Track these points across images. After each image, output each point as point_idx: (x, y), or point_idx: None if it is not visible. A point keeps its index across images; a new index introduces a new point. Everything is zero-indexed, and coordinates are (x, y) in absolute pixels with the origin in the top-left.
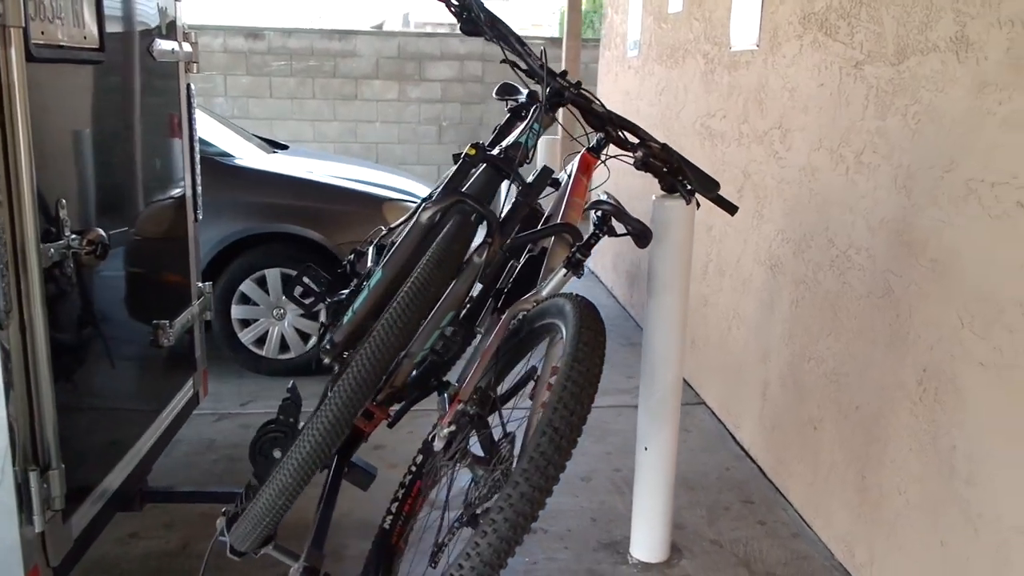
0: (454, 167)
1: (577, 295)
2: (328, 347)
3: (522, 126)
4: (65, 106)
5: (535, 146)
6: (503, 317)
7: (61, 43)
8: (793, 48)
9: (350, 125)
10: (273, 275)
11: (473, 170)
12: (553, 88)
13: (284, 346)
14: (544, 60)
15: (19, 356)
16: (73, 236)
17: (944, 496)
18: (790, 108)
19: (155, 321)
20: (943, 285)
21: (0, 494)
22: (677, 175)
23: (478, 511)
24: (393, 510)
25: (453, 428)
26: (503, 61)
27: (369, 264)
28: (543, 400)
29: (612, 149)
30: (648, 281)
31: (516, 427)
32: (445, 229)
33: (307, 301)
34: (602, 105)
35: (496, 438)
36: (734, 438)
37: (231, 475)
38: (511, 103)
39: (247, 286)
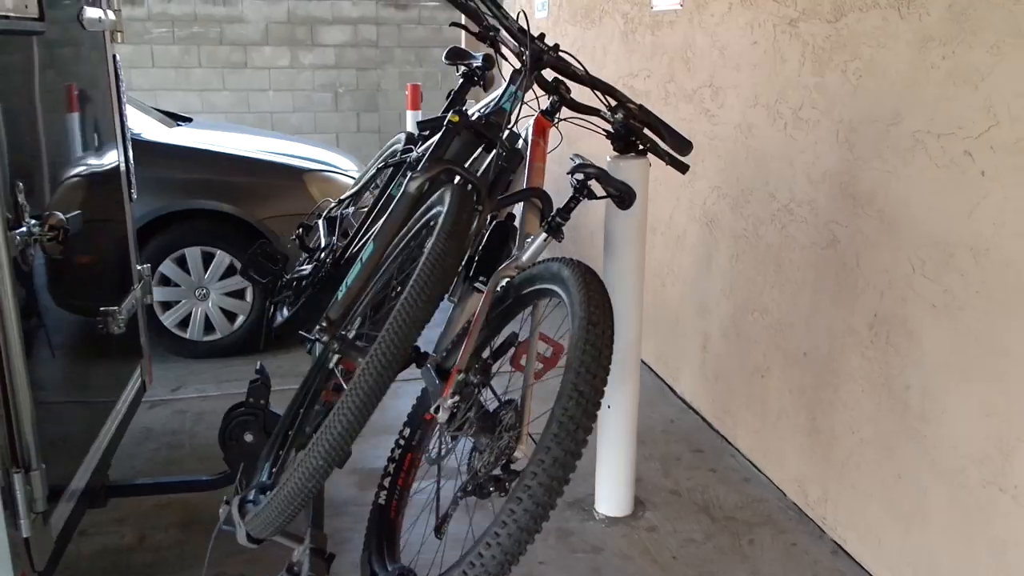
0: (439, 135)
1: (572, 260)
2: (324, 324)
3: (498, 92)
4: (10, 82)
5: (518, 112)
6: (488, 284)
7: (4, 13)
8: (722, 7)
9: (241, 95)
10: (193, 254)
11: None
12: (534, 52)
13: (208, 327)
14: (527, 24)
15: None
16: (34, 222)
17: (899, 432)
18: (720, 67)
19: (103, 308)
20: (892, 234)
21: None
22: (655, 135)
23: (484, 479)
24: (387, 485)
25: (457, 399)
26: (453, 24)
27: (323, 238)
28: (537, 369)
29: (575, 115)
30: (606, 242)
31: (507, 395)
32: (449, 199)
33: (263, 280)
34: (583, 68)
35: (485, 406)
36: (673, 391)
37: (174, 464)
38: (463, 67)
39: (167, 267)
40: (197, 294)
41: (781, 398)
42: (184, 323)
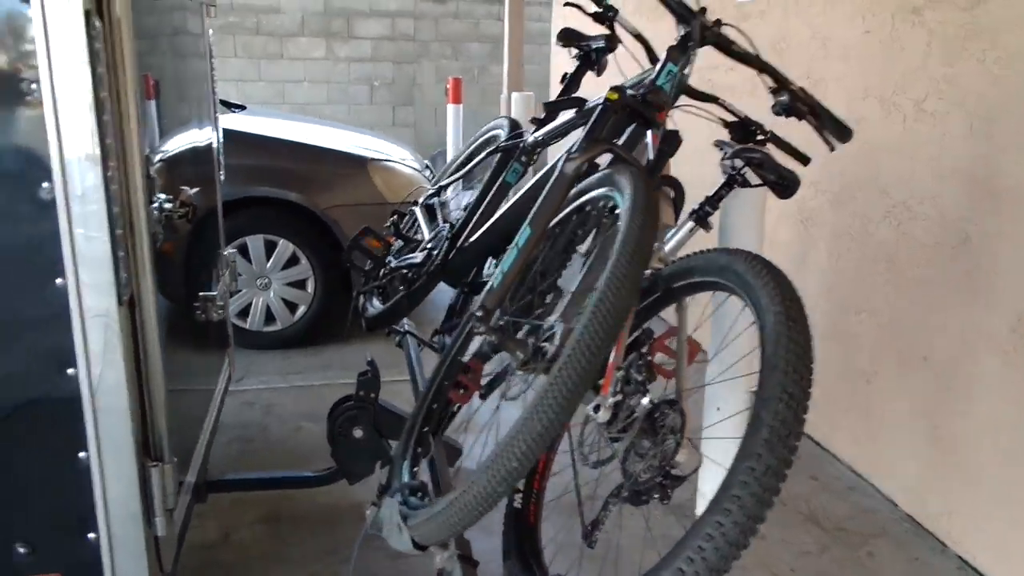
0: (595, 114)
1: (742, 250)
2: (479, 314)
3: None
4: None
5: (677, 89)
6: None
7: None
8: None
9: (277, 86)
10: (256, 243)
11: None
12: (697, 26)
13: (269, 317)
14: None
15: (128, 335)
16: (164, 197)
17: None
18: (820, 58)
19: (202, 293)
20: None
21: (124, 495)
22: (818, 120)
23: (646, 485)
24: (521, 487)
25: (619, 398)
26: (567, 4)
27: (424, 226)
28: (669, 367)
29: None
30: (721, 236)
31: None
32: (631, 190)
33: (366, 268)
34: (751, 43)
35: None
36: None
37: (248, 457)
38: (579, 49)
39: None
40: (258, 284)
41: (892, 404)
42: (244, 313)
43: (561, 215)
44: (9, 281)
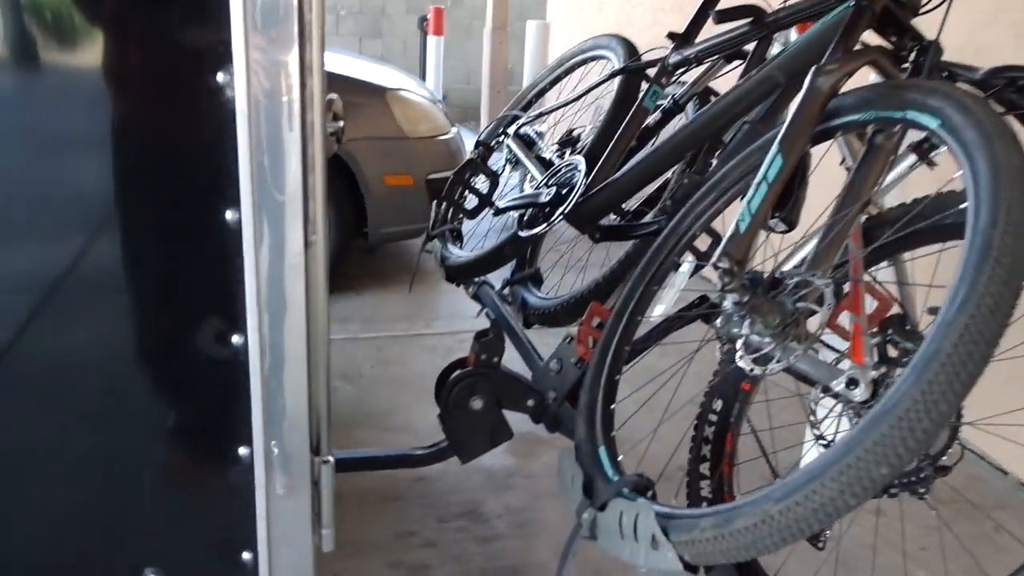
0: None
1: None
2: (726, 266)
3: None
4: None
5: None
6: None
7: None
8: None
9: None
10: None
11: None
12: None
13: None
14: None
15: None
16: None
17: None
18: None
19: None
20: None
21: (298, 496)
22: None
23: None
24: (705, 472)
25: (883, 370)
26: None
27: (526, 160)
28: None
29: None
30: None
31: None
32: (978, 112)
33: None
34: None
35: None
36: None
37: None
38: None
39: None
40: None
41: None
42: None
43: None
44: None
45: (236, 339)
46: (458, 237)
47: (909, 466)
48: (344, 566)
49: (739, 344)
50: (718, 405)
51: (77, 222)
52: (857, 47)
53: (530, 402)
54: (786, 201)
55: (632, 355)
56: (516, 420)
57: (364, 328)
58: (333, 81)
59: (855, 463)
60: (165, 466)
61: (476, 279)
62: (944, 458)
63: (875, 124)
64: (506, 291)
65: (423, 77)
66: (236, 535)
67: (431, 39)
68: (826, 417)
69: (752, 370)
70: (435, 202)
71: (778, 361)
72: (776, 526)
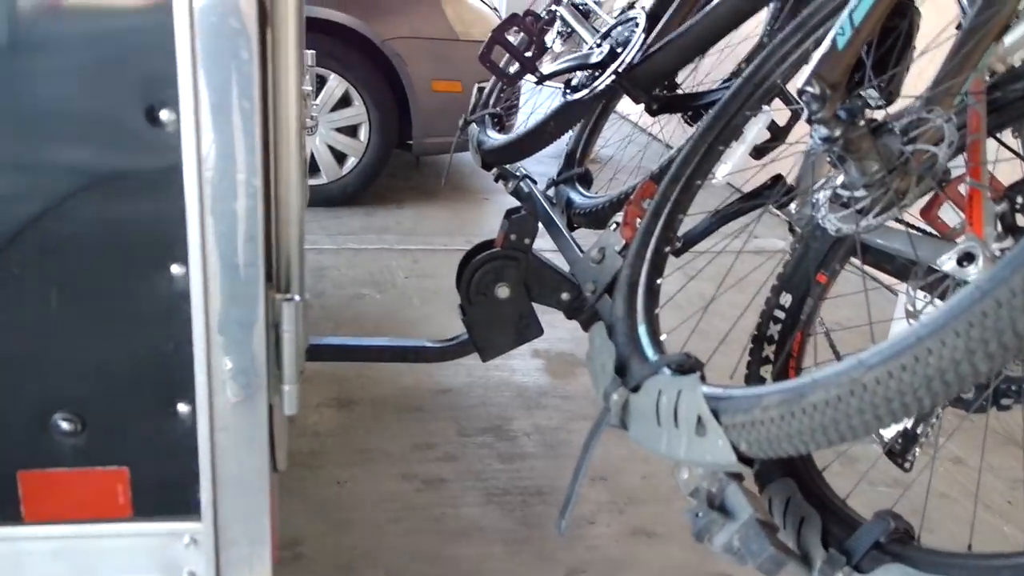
0: None
1: None
2: (816, 91)
3: None
4: None
5: None
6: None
7: None
8: None
9: None
10: None
11: None
12: None
13: (313, 168)
14: None
15: None
16: None
17: None
18: None
19: None
20: None
21: (247, 335)
22: None
23: None
24: (766, 375)
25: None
26: None
27: (579, 27)
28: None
29: None
30: None
31: None
32: None
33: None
34: None
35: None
36: None
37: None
38: None
39: None
40: None
41: None
42: None
43: None
44: None
45: (166, 115)
46: (498, 122)
47: None
48: (350, 474)
49: (822, 196)
50: (786, 300)
51: None
52: None
53: (564, 295)
54: (885, 68)
55: (687, 245)
56: (554, 337)
57: (401, 240)
58: None
59: (995, 309)
60: (81, 290)
61: (516, 172)
62: None
63: None
64: (551, 192)
65: None
66: (167, 379)
67: None
68: (924, 308)
69: (839, 230)
70: (477, 87)
71: (877, 215)
72: (869, 400)
